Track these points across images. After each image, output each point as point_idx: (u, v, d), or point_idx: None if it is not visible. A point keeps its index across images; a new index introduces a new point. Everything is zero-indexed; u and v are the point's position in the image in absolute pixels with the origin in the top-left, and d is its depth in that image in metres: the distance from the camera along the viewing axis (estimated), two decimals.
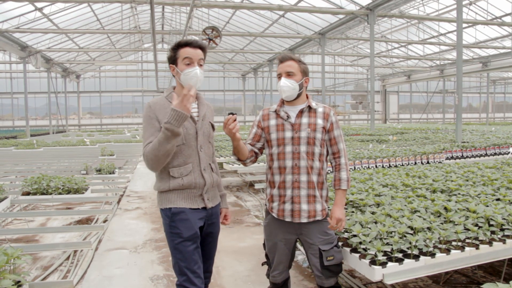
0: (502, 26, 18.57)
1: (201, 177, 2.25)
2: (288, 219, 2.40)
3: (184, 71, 2.20)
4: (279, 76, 2.43)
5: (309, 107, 2.44)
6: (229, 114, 2.20)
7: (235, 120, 2.20)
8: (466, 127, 16.70)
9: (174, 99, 2.03)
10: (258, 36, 20.76)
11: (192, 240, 2.19)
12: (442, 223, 2.77)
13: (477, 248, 2.54)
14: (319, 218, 2.39)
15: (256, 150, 2.52)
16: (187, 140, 2.21)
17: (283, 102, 2.49)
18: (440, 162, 6.56)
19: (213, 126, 2.41)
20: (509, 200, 3.21)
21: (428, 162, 6.60)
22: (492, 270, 3.56)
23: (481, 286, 1.76)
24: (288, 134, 2.40)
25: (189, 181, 2.21)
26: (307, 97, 2.49)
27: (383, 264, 2.31)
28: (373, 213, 3.00)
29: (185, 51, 2.21)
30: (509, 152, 7.70)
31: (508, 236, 2.70)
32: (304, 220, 2.37)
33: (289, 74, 2.39)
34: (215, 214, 2.38)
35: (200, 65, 2.25)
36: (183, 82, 2.23)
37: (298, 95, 2.43)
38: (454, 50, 23.57)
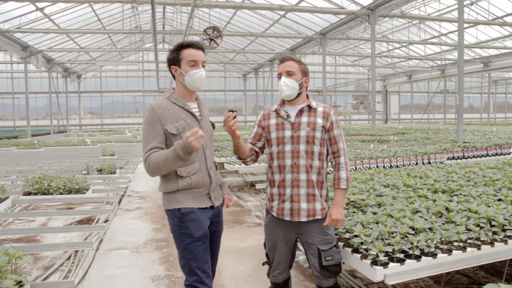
0: (503, 26, 18.54)
1: (208, 175, 2.27)
2: (287, 218, 2.40)
3: (189, 72, 2.22)
4: (280, 76, 2.44)
5: (309, 107, 2.45)
6: (229, 111, 2.21)
7: (235, 117, 2.22)
8: (467, 128, 16.68)
9: (189, 133, 2.00)
10: (259, 36, 20.76)
11: (202, 240, 2.20)
12: (443, 224, 2.77)
13: (479, 249, 2.54)
14: (318, 217, 2.40)
15: (257, 149, 2.53)
16: None
17: (283, 102, 2.51)
18: (441, 163, 6.55)
19: (213, 125, 2.43)
20: (510, 201, 3.21)
21: (429, 163, 6.59)
22: (494, 270, 3.55)
23: (483, 287, 1.76)
24: (288, 133, 2.41)
25: (197, 180, 2.22)
26: (307, 97, 2.50)
27: (385, 265, 2.31)
28: (374, 213, 3.00)
29: (189, 53, 2.22)
30: (510, 153, 7.68)
31: (509, 237, 2.69)
32: (304, 219, 2.38)
33: (289, 73, 2.40)
34: (220, 213, 2.41)
35: (203, 66, 2.27)
36: (188, 83, 2.24)
37: (298, 95, 2.44)
38: (455, 50, 23.54)
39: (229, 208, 6.02)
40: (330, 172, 4.52)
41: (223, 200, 2.46)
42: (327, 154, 2.48)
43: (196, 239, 2.18)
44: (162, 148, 2.18)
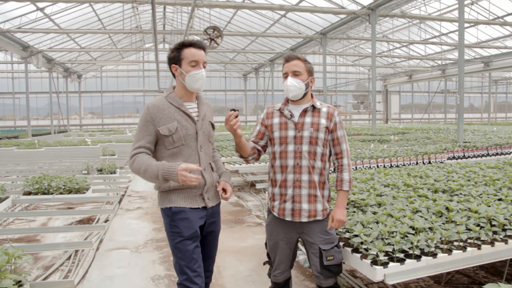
0: (504, 26, 18.52)
1: (202, 177, 2.25)
2: (288, 218, 2.39)
3: (190, 73, 2.21)
4: (285, 76, 2.41)
5: (313, 107, 2.42)
6: (231, 110, 2.21)
7: (236, 116, 2.20)
8: (467, 127, 16.67)
9: (184, 166, 2.04)
10: (259, 36, 20.75)
11: (192, 239, 2.19)
12: (443, 223, 2.76)
13: (479, 249, 2.53)
14: (319, 218, 2.38)
15: (259, 148, 2.52)
16: (186, 141, 2.22)
17: (287, 101, 2.48)
18: (441, 162, 6.54)
19: (213, 126, 2.42)
20: (511, 200, 3.20)
21: (429, 162, 6.58)
22: (494, 270, 3.54)
23: (483, 287, 1.76)
24: (291, 133, 2.39)
25: None
26: (312, 97, 2.48)
27: (385, 264, 2.30)
28: (374, 213, 3.00)
29: (191, 52, 2.21)
30: (511, 152, 7.68)
31: (510, 236, 2.69)
32: (305, 220, 2.37)
33: (295, 74, 2.37)
34: (216, 213, 2.39)
35: (204, 67, 2.26)
36: (188, 84, 2.23)
37: (304, 95, 2.41)
38: (455, 50, 23.52)
39: (229, 208, 6.04)
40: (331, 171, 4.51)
41: (219, 183, 2.38)
42: (330, 155, 2.47)
43: (185, 238, 2.18)
44: (150, 149, 2.21)
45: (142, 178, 2.18)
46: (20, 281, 2.45)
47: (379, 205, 3.27)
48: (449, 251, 2.47)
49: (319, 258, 2.38)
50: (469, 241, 2.61)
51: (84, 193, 5.61)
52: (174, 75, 2.31)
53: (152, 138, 2.20)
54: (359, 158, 6.34)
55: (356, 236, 2.55)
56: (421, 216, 2.82)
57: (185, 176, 2.02)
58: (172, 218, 2.19)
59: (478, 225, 2.74)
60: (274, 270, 2.57)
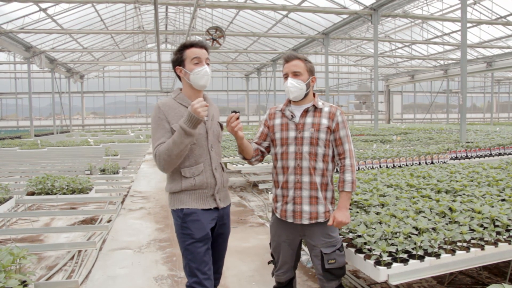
0: (506, 25, 18.48)
1: (213, 176, 2.25)
2: (290, 220, 2.38)
3: (194, 70, 2.21)
4: (286, 76, 2.39)
5: (315, 107, 2.40)
6: (232, 112, 2.19)
7: (238, 118, 2.19)
8: (470, 127, 16.63)
9: (194, 102, 2.02)
10: (261, 36, 20.76)
11: (203, 241, 2.18)
12: (447, 224, 2.76)
13: (482, 249, 2.53)
14: (321, 220, 2.35)
15: (262, 149, 2.51)
16: (198, 140, 2.21)
17: (289, 101, 2.46)
18: (444, 163, 6.53)
19: (221, 126, 2.43)
20: None
21: (432, 163, 6.58)
22: (498, 271, 3.54)
23: (486, 287, 1.75)
24: (292, 134, 2.37)
25: (201, 180, 2.21)
26: (314, 96, 2.45)
27: (388, 265, 2.30)
28: (377, 213, 2.99)
29: (192, 51, 2.22)
30: None
31: None
32: (306, 222, 2.34)
33: (295, 74, 2.35)
34: (226, 215, 2.38)
35: (207, 64, 2.26)
36: (193, 82, 2.23)
37: (305, 95, 2.39)
38: (458, 50, 23.50)
39: (232, 208, 6.01)
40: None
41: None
42: (334, 156, 2.42)
43: (197, 240, 2.17)
44: None
45: (176, 159, 2.09)
46: (25, 281, 2.46)
47: (382, 205, 3.26)
48: (452, 251, 2.47)
49: (321, 261, 2.35)
50: (472, 241, 2.61)
51: (87, 193, 5.62)
52: (179, 78, 2.31)
53: (170, 134, 2.16)
54: (362, 159, 6.34)
55: (359, 236, 2.55)
56: (424, 217, 2.82)
57: (199, 107, 1.99)
58: (184, 220, 2.18)
59: (482, 226, 2.74)
60: (277, 270, 2.57)
